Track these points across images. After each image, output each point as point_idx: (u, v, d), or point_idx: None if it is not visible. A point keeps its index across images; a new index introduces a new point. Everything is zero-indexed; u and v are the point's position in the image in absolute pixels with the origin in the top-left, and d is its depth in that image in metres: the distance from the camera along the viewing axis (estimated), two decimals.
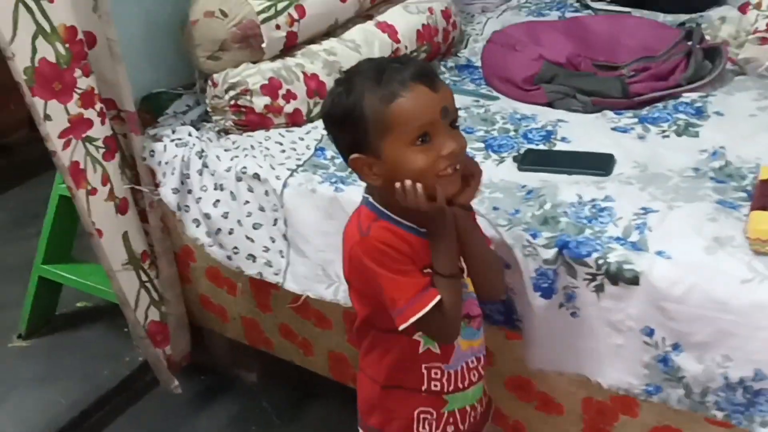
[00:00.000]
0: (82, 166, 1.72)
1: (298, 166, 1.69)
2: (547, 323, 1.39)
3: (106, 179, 1.79)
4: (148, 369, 2.15)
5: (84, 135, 1.72)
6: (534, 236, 1.38)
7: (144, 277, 1.96)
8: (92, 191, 1.76)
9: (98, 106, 1.73)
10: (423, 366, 1.25)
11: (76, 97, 1.67)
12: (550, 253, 1.35)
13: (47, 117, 1.63)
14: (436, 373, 1.26)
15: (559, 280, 1.36)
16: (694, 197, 1.42)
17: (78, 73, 1.68)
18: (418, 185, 1.12)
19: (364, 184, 1.24)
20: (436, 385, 1.26)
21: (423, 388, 1.26)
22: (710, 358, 1.25)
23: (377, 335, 1.27)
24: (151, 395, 2.24)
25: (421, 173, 1.11)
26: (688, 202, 1.41)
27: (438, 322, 1.17)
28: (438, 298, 1.15)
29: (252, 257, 1.74)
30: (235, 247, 1.75)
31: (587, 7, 2.51)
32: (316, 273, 1.68)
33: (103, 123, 1.76)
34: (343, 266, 1.26)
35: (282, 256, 1.70)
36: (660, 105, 1.84)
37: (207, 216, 1.77)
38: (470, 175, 1.18)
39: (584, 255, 1.32)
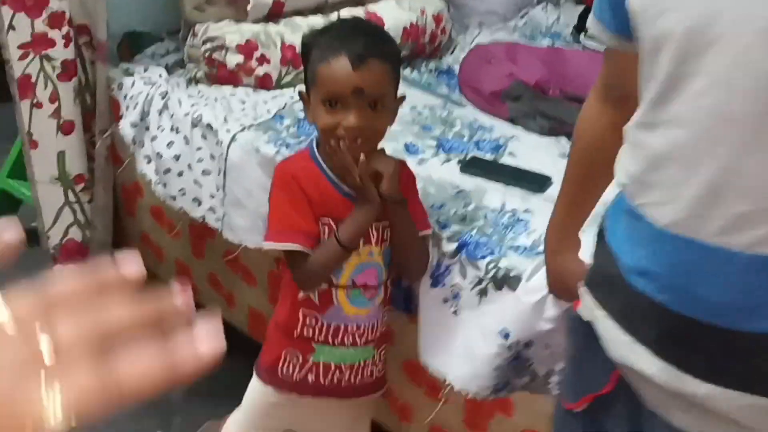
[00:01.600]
0: (33, 80, 1.79)
1: (252, 124, 1.75)
2: (429, 310, 1.45)
3: (54, 97, 1.86)
4: None
5: (43, 52, 1.78)
6: (443, 227, 1.45)
7: (72, 198, 2.02)
8: (38, 104, 1.83)
9: (65, 29, 1.80)
10: (301, 310, 1.36)
11: (45, 15, 1.74)
12: (451, 248, 1.41)
13: (12, 27, 1.70)
14: (310, 321, 1.36)
15: (450, 276, 1.42)
16: None
17: None
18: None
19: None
20: (308, 332, 1.36)
21: (296, 331, 1.37)
22: (555, 343, 1.30)
23: (287, 278, 1.38)
24: None
25: (323, 130, 1.27)
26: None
27: (299, 269, 1.30)
28: (297, 248, 1.28)
29: (198, 201, 1.80)
30: (182, 189, 1.81)
31: (578, 42, 2.58)
32: (256, 224, 1.73)
33: (66, 46, 1.82)
34: None
35: (222, 205, 1.76)
36: None
37: (159, 155, 1.83)
38: (381, 173, 1.29)
39: (479, 257, 1.38)
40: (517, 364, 1.37)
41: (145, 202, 2.03)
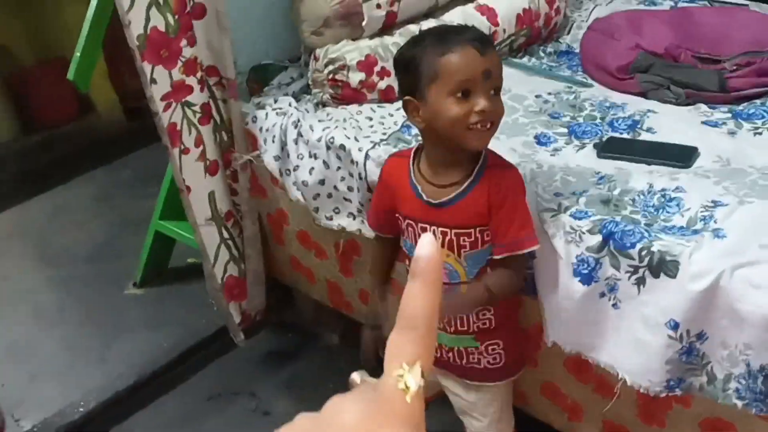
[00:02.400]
0: (178, 128, 1.88)
1: (382, 139, 1.77)
2: (585, 309, 1.41)
3: (199, 141, 1.93)
4: (240, 322, 2.30)
5: (183, 99, 1.87)
6: (580, 218, 1.40)
7: (226, 234, 2.10)
8: (185, 150, 1.91)
9: (199, 74, 1.88)
10: None
11: (180, 64, 1.83)
12: (595, 241, 1.37)
13: (153, 81, 1.79)
14: None
15: (601, 270, 1.38)
16: None
17: (184, 42, 1.83)
18: None
19: None
20: None
21: None
22: (733, 344, 1.24)
23: None
24: (238, 348, 2.40)
25: (452, 122, 1.28)
26: (761, 198, 1.39)
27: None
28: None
29: (352, 215, 1.84)
30: (336, 207, 1.86)
31: None
32: None
33: (201, 90, 1.90)
34: None
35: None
36: (758, 101, 1.79)
37: (304, 183, 1.88)
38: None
39: (628, 246, 1.33)
40: (690, 359, 1.31)
41: (290, 228, 2.10)
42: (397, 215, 1.47)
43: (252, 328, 2.34)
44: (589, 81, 2.00)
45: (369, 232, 1.81)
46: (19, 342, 2.59)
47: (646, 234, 1.33)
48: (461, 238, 1.38)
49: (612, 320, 1.38)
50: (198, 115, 1.91)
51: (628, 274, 1.34)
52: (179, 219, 2.68)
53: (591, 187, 1.50)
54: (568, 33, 2.31)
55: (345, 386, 1.78)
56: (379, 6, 1.96)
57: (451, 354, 1.52)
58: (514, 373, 1.56)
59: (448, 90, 1.27)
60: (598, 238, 1.37)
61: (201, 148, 1.94)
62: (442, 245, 1.39)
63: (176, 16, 1.79)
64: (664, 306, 1.29)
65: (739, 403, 1.28)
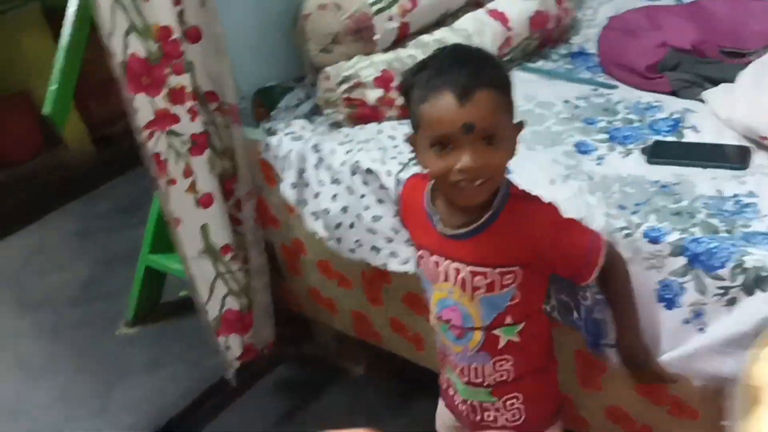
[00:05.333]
0: (163, 158, 1.76)
1: (410, 159, 1.66)
2: (669, 331, 1.32)
3: (188, 172, 1.81)
4: (254, 361, 2.16)
5: (168, 128, 1.75)
6: (655, 241, 1.30)
7: (222, 269, 1.97)
8: (171, 181, 1.79)
9: (189, 103, 1.76)
10: None
11: (164, 92, 1.71)
12: (679, 264, 1.27)
13: (134, 109, 1.68)
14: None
15: (685, 295, 1.28)
16: None
17: (168, 70, 1.71)
18: None
19: None
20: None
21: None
22: None
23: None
24: (257, 386, 2.26)
25: (435, 177, 1.17)
26: None
27: None
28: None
29: (376, 249, 1.71)
30: (357, 240, 1.73)
31: None
32: None
33: (193, 119, 1.78)
34: None
35: (408, 245, 1.67)
36: None
37: (326, 211, 1.75)
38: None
39: (717, 266, 1.24)
40: None
41: (309, 258, 1.97)
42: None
43: (266, 364, 2.21)
44: (613, 82, 1.91)
45: (396, 267, 1.70)
46: (6, 397, 2.40)
47: (733, 248, 1.24)
48: (476, 278, 1.23)
49: (703, 343, 1.29)
50: (186, 146, 1.79)
51: (716, 298, 1.25)
52: (169, 251, 2.55)
53: (654, 198, 1.41)
54: (578, 33, 2.23)
55: (376, 418, 1.68)
56: (390, 18, 1.85)
57: (465, 407, 1.38)
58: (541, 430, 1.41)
59: (429, 142, 1.14)
60: (682, 260, 1.27)
61: (191, 179, 1.83)
62: (454, 283, 1.25)
63: (159, 44, 1.68)
64: (759, 325, 1.21)
65: None
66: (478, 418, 1.37)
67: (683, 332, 1.30)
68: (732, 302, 1.24)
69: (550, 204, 1.25)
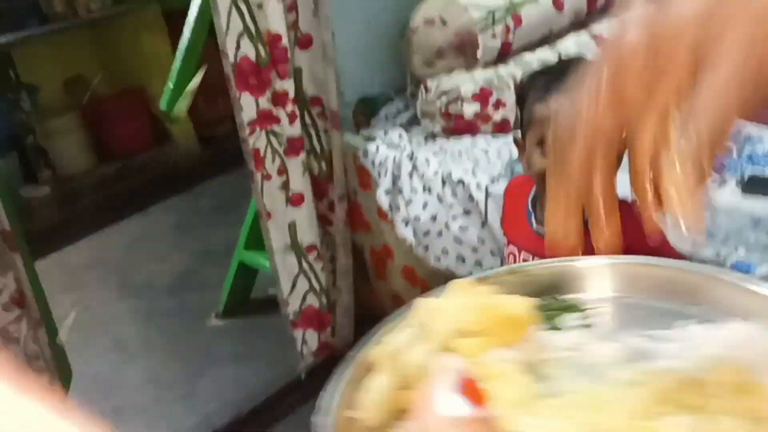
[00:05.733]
0: (261, 154, 1.86)
1: (500, 173, 1.69)
2: None
3: (282, 170, 1.90)
4: (334, 360, 2.22)
5: (269, 128, 1.85)
6: (748, 269, 1.29)
7: (306, 266, 2.05)
8: (267, 176, 1.88)
9: (290, 107, 1.85)
10: None
11: (268, 94, 1.81)
12: None
13: (240, 107, 1.78)
14: None
15: None
16: None
17: (274, 74, 1.81)
18: None
19: None
20: None
21: None
22: None
23: None
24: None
25: (539, 174, 1.19)
26: None
27: None
28: None
29: (461, 258, 1.76)
30: (444, 248, 1.78)
31: None
32: None
33: (291, 123, 1.86)
34: None
35: (493, 255, 1.71)
36: None
37: (416, 218, 1.81)
38: None
39: None
40: None
41: (395, 264, 2.02)
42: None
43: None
44: None
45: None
46: (102, 374, 2.54)
47: None
48: None
49: None
50: (283, 147, 1.88)
51: None
52: (262, 248, 2.64)
53: (746, 231, 1.39)
54: None
55: None
56: (494, 36, 1.89)
57: None
58: None
59: (536, 140, 1.18)
60: None
61: (284, 177, 1.92)
62: None
63: (267, 48, 1.77)
64: None
65: None
66: None
67: None
68: None
69: None
